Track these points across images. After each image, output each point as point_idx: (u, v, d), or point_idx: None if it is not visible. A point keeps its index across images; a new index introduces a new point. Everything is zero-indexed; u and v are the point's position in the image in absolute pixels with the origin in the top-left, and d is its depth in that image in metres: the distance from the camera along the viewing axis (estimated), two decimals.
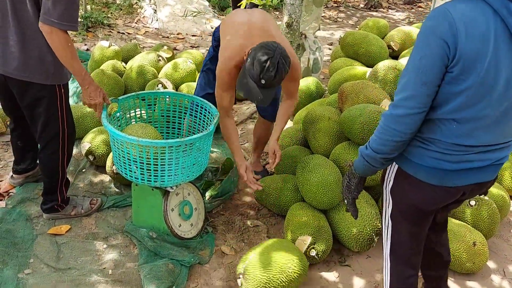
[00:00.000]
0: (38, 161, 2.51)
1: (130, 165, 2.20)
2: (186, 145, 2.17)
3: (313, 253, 2.27)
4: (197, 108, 2.52)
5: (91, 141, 2.90)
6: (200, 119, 2.53)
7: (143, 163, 2.16)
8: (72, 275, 2.17)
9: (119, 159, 2.24)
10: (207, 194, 2.79)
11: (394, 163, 1.58)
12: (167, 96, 2.57)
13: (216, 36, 2.60)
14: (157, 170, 2.18)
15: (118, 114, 2.44)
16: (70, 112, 2.37)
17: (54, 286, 2.09)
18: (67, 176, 2.50)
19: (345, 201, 1.69)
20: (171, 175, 2.22)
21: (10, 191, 2.72)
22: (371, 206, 2.43)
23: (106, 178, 2.91)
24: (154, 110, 2.62)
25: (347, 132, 2.58)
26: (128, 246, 2.40)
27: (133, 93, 2.47)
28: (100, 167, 2.98)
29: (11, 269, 2.16)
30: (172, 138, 2.65)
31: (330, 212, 2.48)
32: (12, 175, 2.75)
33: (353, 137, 2.55)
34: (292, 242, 2.32)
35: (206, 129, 2.45)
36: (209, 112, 2.46)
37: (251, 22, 2.37)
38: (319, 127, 2.76)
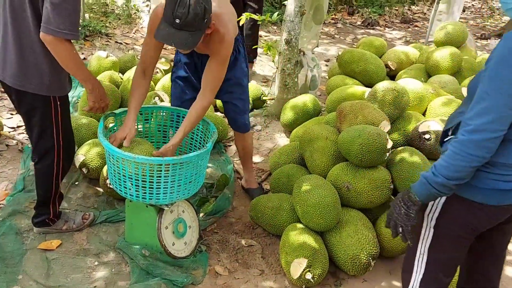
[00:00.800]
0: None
1: (125, 182, 2.16)
2: (182, 162, 2.13)
3: (308, 276, 2.23)
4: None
5: (85, 153, 2.85)
6: (198, 135, 2.50)
7: (138, 180, 2.12)
8: None
9: (114, 175, 2.20)
10: (201, 211, 2.75)
11: None
12: (164, 111, 2.53)
13: None
14: (152, 188, 2.13)
15: (115, 128, 2.40)
16: (69, 127, 2.31)
17: None
18: (61, 190, 2.45)
19: (399, 229, 1.60)
20: (167, 193, 2.17)
21: (0, 202, 2.66)
22: (368, 230, 2.41)
23: (99, 191, 2.86)
24: (151, 125, 2.58)
25: (345, 153, 2.56)
26: (120, 264, 2.35)
27: None
28: (93, 180, 2.93)
29: None
30: None
31: (326, 234, 2.45)
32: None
33: (351, 158, 2.52)
34: (288, 265, 2.28)
35: (203, 146, 2.42)
36: (206, 129, 2.44)
37: None
38: (316, 146, 2.74)
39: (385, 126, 2.66)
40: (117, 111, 2.38)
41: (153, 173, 2.09)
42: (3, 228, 2.44)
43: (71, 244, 2.44)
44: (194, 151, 2.52)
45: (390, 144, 2.46)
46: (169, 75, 3.77)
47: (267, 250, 2.57)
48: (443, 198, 1.58)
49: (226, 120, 3.63)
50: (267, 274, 2.42)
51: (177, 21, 1.92)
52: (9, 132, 3.31)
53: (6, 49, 2.07)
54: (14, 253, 2.31)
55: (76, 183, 2.92)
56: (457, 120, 1.52)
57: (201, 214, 2.73)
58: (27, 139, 3.28)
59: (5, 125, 3.35)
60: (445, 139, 1.60)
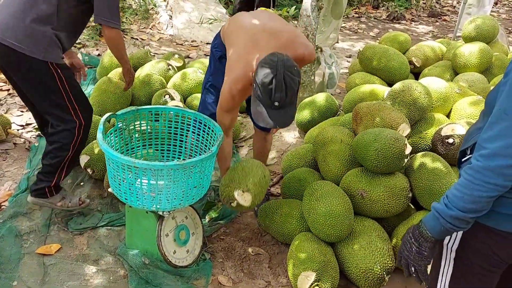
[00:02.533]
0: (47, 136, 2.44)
1: (125, 187, 2.05)
2: (185, 167, 2.00)
3: None
4: (200, 126, 2.36)
5: (90, 153, 2.77)
6: (203, 137, 2.37)
7: (139, 185, 2.00)
8: None
9: (114, 180, 2.09)
10: (207, 216, 2.62)
11: None
12: (169, 112, 2.41)
13: (216, 44, 2.41)
14: (154, 194, 2.02)
15: (118, 128, 2.28)
16: (81, 93, 2.36)
17: None
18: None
19: (412, 269, 1.40)
20: (169, 199, 2.06)
21: (3, 203, 2.60)
22: (383, 241, 2.23)
23: (104, 193, 2.77)
24: (156, 126, 2.46)
25: (360, 158, 2.39)
26: (119, 271, 2.24)
27: (133, 108, 2.33)
28: (98, 181, 2.84)
29: None
30: (176, 155, 2.50)
31: (338, 245, 2.29)
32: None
33: (367, 164, 2.35)
34: (295, 278, 2.13)
35: (209, 149, 2.29)
36: (212, 131, 2.30)
37: (254, 26, 2.16)
38: (330, 149, 2.57)
39: (405, 129, 2.47)
40: (118, 112, 2.26)
41: (154, 179, 1.97)
42: (2, 230, 2.37)
43: (71, 249, 2.35)
44: (199, 155, 2.40)
45: (408, 150, 2.27)
46: (180, 72, 3.66)
47: (275, 260, 2.43)
48: None
49: (237, 119, 3.50)
50: (273, 286, 2.27)
51: (276, 104, 1.84)
52: (18, 130, 3.26)
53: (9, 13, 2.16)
54: (12, 257, 2.23)
55: (81, 183, 2.84)
56: (476, 138, 1.32)
57: (207, 219, 2.61)
58: (35, 138, 3.23)
59: (14, 122, 3.31)
60: (464, 159, 1.39)
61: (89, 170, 2.78)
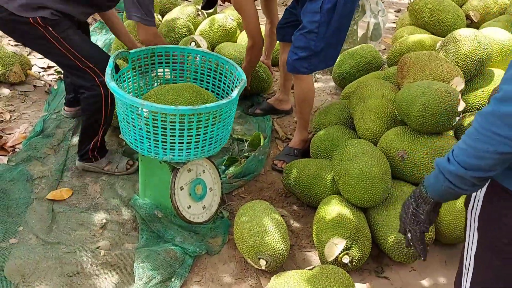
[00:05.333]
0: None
1: (134, 133, 1.85)
2: (201, 114, 1.78)
3: (346, 259, 1.85)
4: (222, 70, 2.11)
5: None
6: (225, 83, 2.13)
7: (149, 132, 1.80)
8: (60, 251, 1.89)
9: (124, 124, 1.90)
10: (228, 172, 2.42)
11: None
12: (188, 54, 2.17)
13: None
14: (165, 142, 1.81)
15: (129, 71, 2.07)
16: (93, 49, 2.12)
17: (37, 262, 1.83)
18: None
19: (408, 235, 1.20)
20: (182, 149, 1.85)
21: (16, 146, 2.49)
22: None
23: (122, 141, 2.60)
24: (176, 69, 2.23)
25: (403, 115, 2.09)
26: (130, 223, 2.10)
27: (148, 47, 2.10)
28: (117, 129, 2.67)
29: None
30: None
31: (370, 211, 2.04)
32: (64, 108, 2.69)
33: (411, 122, 2.05)
34: (321, 244, 1.91)
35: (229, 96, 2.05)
36: (235, 76, 2.05)
37: None
38: (369, 105, 2.27)
39: (459, 83, 2.13)
40: (132, 51, 2.05)
41: (165, 125, 1.76)
42: (14, 173, 2.26)
43: (83, 197, 2.22)
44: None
45: (462, 106, 1.95)
46: (209, 18, 3.39)
47: (299, 223, 2.21)
48: (484, 189, 1.07)
49: (270, 70, 3.22)
50: (295, 250, 2.07)
51: None
52: (39, 72, 3.12)
53: None
54: (20, 201, 2.12)
55: None
56: None
57: (228, 176, 2.41)
58: (55, 81, 3.09)
59: (35, 64, 3.17)
60: None
61: None
